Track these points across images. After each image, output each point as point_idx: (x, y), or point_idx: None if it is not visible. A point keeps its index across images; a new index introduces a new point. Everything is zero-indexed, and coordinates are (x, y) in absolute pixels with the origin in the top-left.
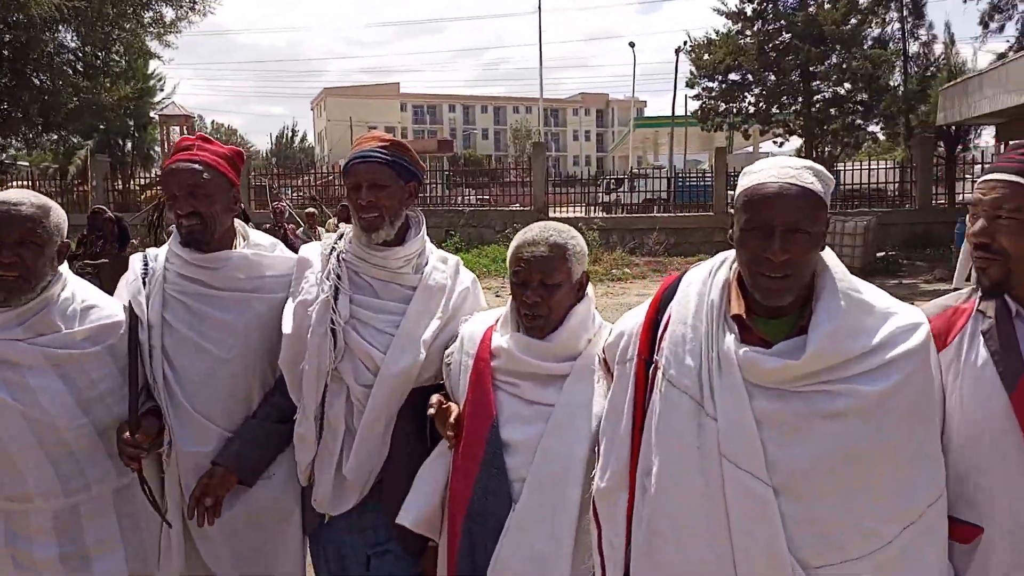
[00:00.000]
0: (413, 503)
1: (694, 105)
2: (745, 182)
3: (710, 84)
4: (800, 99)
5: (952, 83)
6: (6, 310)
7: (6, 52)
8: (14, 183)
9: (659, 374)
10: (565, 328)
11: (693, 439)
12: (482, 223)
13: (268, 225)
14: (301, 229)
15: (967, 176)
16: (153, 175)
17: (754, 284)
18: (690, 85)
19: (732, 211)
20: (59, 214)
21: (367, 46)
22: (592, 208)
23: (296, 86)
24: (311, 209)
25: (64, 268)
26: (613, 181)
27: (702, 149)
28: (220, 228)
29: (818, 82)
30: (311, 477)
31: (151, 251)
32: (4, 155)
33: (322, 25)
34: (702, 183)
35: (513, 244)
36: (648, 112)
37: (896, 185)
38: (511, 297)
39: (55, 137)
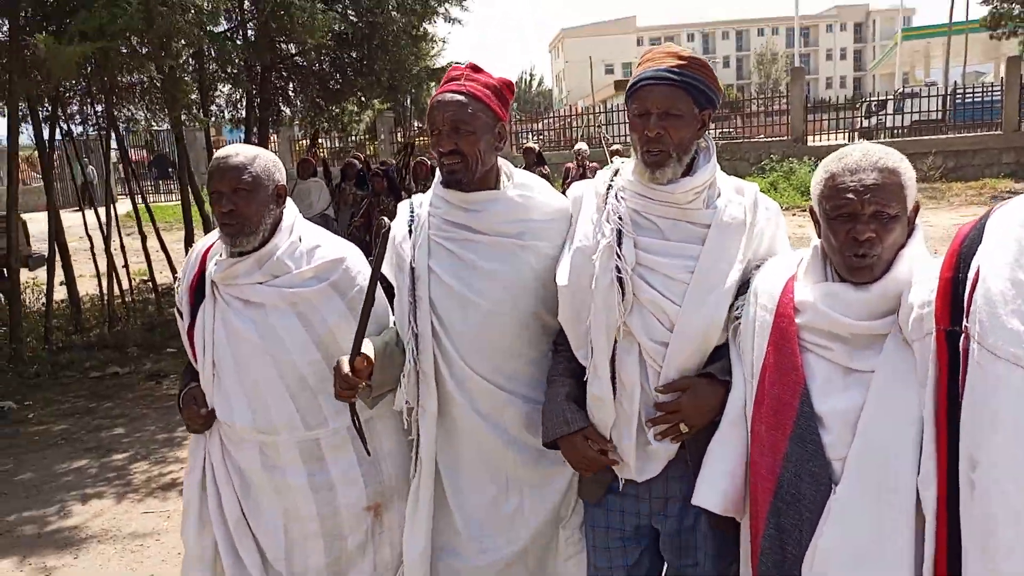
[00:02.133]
0: (711, 481)
1: (981, 11)
2: None
3: None
4: None
5: None
6: (247, 256)
7: (361, 35)
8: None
9: (973, 345)
10: (893, 275)
11: None
12: (735, 156)
13: (570, 165)
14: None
15: None
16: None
17: None
18: None
19: None
20: (266, 159)
21: None
22: (851, 135)
23: (531, 32)
24: (617, 146)
25: (289, 212)
26: (875, 103)
27: (985, 59)
28: (483, 168)
29: None
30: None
31: (416, 197)
32: (344, 116)
33: None
34: (986, 98)
35: (826, 174)
36: (916, 21)
37: None
38: (822, 241)
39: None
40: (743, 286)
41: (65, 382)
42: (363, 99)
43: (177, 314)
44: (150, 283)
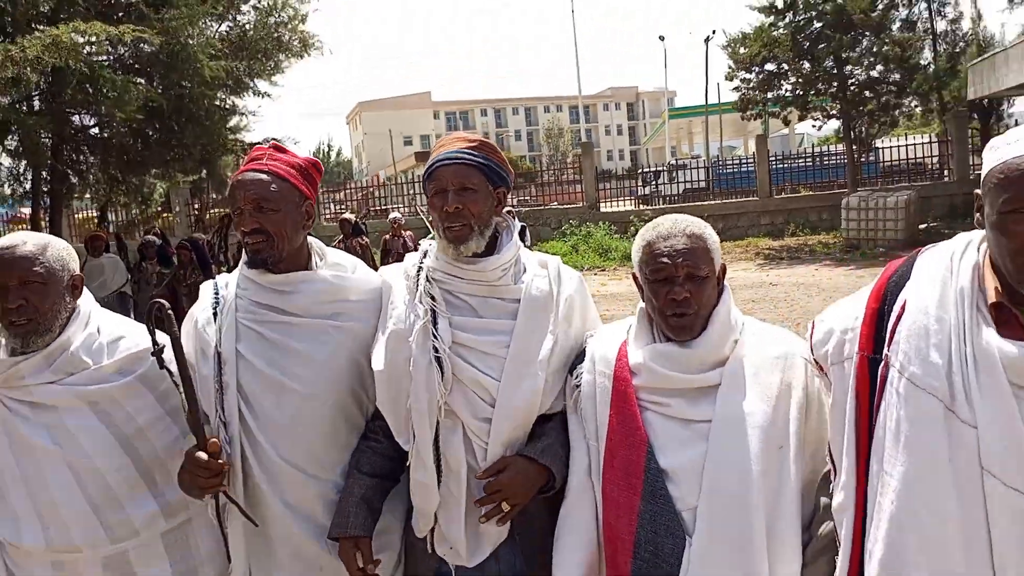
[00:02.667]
0: (569, 555)
1: (732, 96)
2: (997, 157)
3: (747, 75)
4: (835, 84)
5: (979, 59)
6: (33, 354)
7: (171, 108)
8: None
9: (893, 372)
10: (711, 331)
11: (943, 448)
12: (539, 222)
13: (387, 236)
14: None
15: None
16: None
17: (1021, 273)
18: (729, 78)
19: (977, 192)
20: (59, 248)
21: (398, 56)
22: (637, 202)
23: (329, 104)
24: (395, 215)
25: (85, 301)
26: (651, 174)
27: (736, 135)
28: (289, 247)
29: (851, 67)
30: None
31: (221, 278)
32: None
33: (352, 39)
34: (742, 170)
35: (643, 243)
36: (678, 102)
37: (936, 159)
38: (644, 304)
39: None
40: (579, 355)
41: None
42: (169, 171)
43: None
44: None
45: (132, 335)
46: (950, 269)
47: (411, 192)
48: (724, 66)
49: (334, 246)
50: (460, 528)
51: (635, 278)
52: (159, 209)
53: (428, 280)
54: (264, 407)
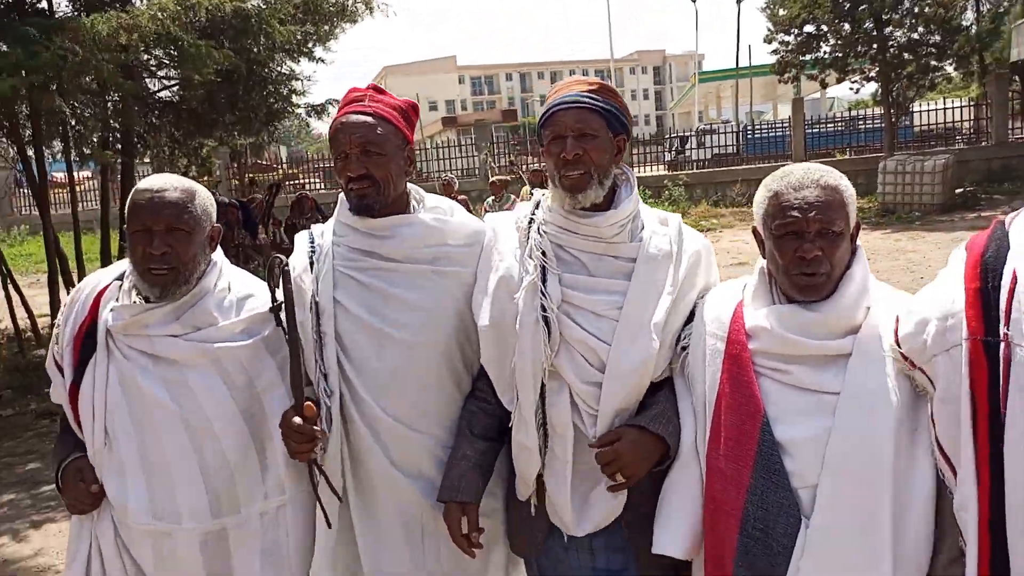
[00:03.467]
0: (671, 526)
1: (763, 59)
2: None
3: (786, 38)
4: (875, 46)
5: None
6: (161, 304)
7: (239, 72)
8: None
9: (1020, 351)
10: (844, 294)
11: None
12: None
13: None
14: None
15: None
16: (267, 159)
17: None
18: (767, 41)
19: None
20: (205, 196)
21: (423, 20)
22: (656, 167)
23: (355, 69)
24: (496, 177)
25: (218, 255)
26: (679, 139)
27: (764, 99)
28: (394, 192)
29: (892, 28)
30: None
31: (316, 227)
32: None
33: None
34: (775, 134)
35: (769, 193)
36: (706, 66)
37: (972, 123)
38: (765, 262)
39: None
40: (688, 318)
41: None
42: (232, 133)
43: (53, 370)
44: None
45: (260, 295)
46: None
47: (443, 156)
48: (756, 28)
49: None
50: (566, 494)
51: (755, 233)
52: (199, 172)
53: (540, 233)
54: (365, 358)
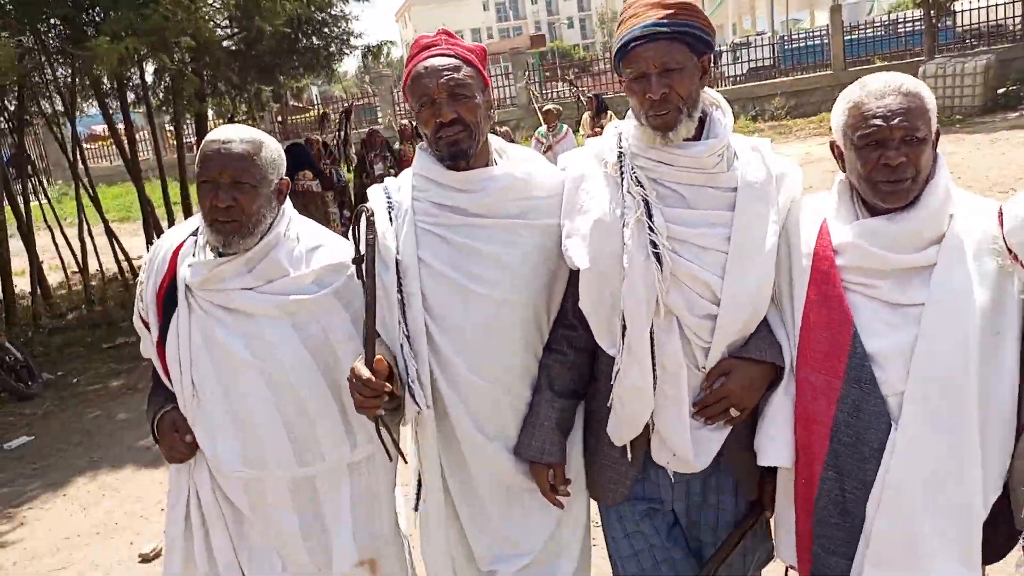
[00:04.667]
0: (774, 438)
1: None
2: None
3: None
4: None
5: None
6: (235, 257)
7: (300, 19)
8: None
9: None
10: (927, 202)
11: None
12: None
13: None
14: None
15: None
16: (307, 101)
17: None
18: None
19: None
20: (273, 148)
21: None
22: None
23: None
24: (551, 106)
25: (288, 207)
26: (714, 54)
27: (801, 8)
28: (482, 138)
29: None
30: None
31: (392, 181)
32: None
33: None
34: (810, 44)
35: (848, 104)
36: None
37: (1019, 19)
38: (845, 175)
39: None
40: None
41: (75, 356)
42: (295, 76)
43: (140, 325)
44: (105, 268)
45: (329, 245)
46: None
47: None
48: None
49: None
50: (685, 432)
51: (832, 147)
52: (244, 117)
53: (633, 166)
54: (452, 318)
